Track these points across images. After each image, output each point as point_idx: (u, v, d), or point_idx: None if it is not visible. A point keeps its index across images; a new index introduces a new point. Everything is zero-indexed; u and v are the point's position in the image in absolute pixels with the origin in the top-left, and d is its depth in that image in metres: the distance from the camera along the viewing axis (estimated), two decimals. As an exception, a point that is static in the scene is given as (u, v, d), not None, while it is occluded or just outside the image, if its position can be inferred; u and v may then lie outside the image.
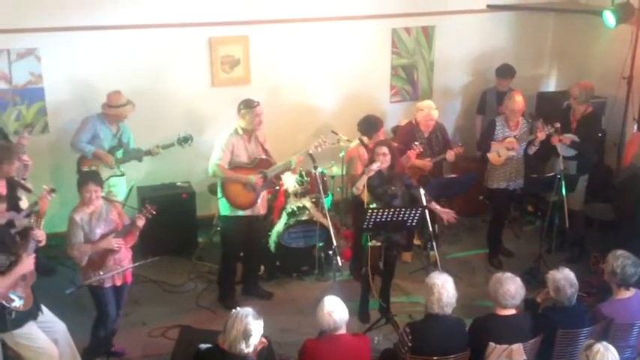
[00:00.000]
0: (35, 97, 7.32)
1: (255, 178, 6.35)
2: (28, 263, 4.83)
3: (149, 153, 7.10)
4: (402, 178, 6.28)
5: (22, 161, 6.06)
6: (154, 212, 5.51)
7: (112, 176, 7.00)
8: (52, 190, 5.50)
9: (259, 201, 6.52)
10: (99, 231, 5.36)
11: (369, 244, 6.20)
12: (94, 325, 5.59)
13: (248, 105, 6.29)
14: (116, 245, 5.34)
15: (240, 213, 6.46)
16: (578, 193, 7.25)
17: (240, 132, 6.36)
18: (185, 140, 7.20)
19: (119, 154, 7.03)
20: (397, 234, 6.21)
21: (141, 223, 5.47)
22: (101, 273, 5.33)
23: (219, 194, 6.47)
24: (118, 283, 5.51)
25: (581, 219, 7.35)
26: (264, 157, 6.47)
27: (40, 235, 4.98)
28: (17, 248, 4.96)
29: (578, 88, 7.17)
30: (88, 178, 5.43)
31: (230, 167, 6.35)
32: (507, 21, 8.93)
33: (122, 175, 7.11)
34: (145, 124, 7.26)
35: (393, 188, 6.18)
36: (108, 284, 5.43)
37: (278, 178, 6.76)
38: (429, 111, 7.18)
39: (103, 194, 5.50)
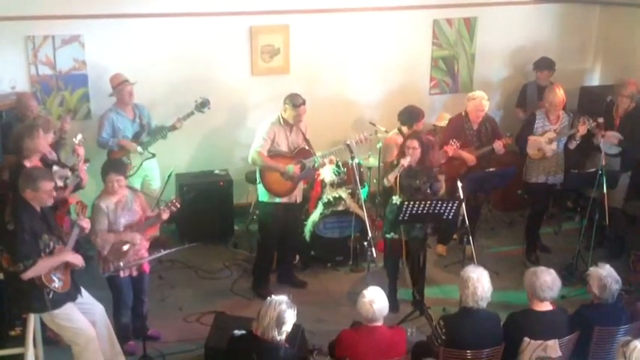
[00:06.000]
0: (78, 83, 7.42)
1: (293, 167, 6.39)
2: (76, 257, 4.96)
3: (173, 128, 7.10)
4: (430, 171, 6.24)
5: (75, 153, 5.94)
6: (178, 206, 5.54)
7: (144, 160, 7.09)
8: (87, 160, 5.55)
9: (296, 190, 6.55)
10: (123, 221, 5.42)
11: (388, 236, 6.23)
12: (113, 313, 5.64)
13: (293, 102, 6.31)
14: (139, 241, 5.42)
15: (278, 200, 6.50)
16: (620, 189, 7.12)
17: (282, 122, 6.40)
18: (203, 105, 7.16)
19: (144, 138, 7.07)
20: (416, 229, 6.16)
21: (165, 216, 5.51)
22: (121, 264, 5.36)
23: (258, 179, 6.53)
24: (134, 273, 5.57)
25: (621, 216, 7.22)
26: (304, 146, 6.50)
27: (86, 222, 5.07)
28: (61, 231, 5.09)
29: (636, 88, 7.07)
30: (109, 167, 5.47)
31: (269, 155, 6.38)
32: (551, 13, 8.76)
33: (153, 156, 7.14)
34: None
35: (417, 182, 6.15)
36: (124, 274, 5.48)
37: (316, 169, 6.75)
38: (480, 101, 7.11)
39: (128, 183, 5.52)
